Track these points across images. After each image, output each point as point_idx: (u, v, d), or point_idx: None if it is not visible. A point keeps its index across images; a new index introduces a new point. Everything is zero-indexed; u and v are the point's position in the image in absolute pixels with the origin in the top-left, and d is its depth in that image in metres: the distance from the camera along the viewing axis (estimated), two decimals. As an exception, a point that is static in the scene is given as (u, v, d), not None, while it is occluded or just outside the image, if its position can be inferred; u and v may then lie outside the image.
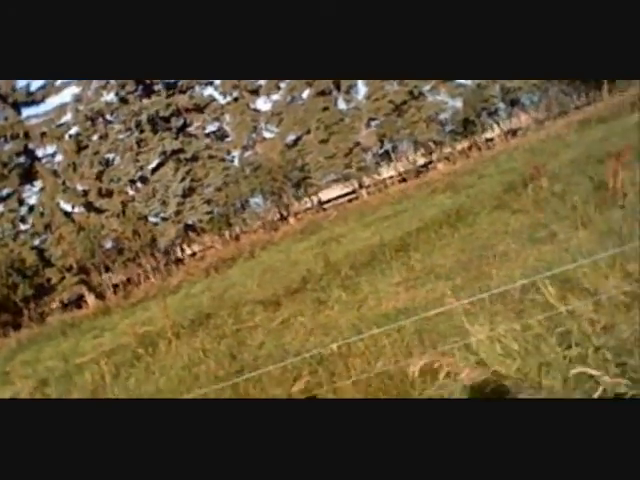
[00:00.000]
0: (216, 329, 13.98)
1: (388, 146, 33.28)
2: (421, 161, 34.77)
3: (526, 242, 10.58)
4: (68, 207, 36.33)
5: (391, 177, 33.42)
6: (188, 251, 36.74)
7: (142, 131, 33.24)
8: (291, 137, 34.02)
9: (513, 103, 34.52)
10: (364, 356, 8.08)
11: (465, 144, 33.76)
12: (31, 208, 36.62)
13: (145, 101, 33.51)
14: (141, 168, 33.22)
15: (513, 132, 34.88)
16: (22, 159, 36.44)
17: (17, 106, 36.81)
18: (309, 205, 34.29)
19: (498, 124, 34.65)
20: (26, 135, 36.17)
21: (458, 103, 32.60)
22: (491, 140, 34.53)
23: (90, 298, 36.09)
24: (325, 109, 31.99)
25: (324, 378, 8.22)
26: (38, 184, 37.07)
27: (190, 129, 35.28)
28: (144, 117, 32.57)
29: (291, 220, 33.63)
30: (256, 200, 34.37)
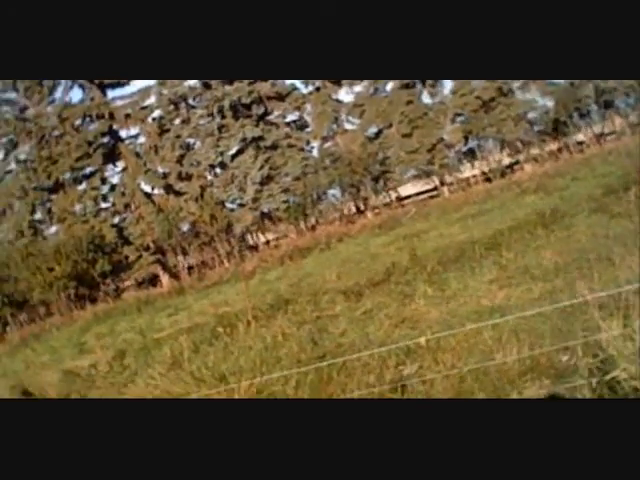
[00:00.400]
0: (295, 315, 13.78)
1: (473, 144, 32.40)
2: (507, 161, 33.72)
3: (631, 247, 9.90)
4: (148, 188, 36.96)
5: (474, 176, 32.52)
6: (262, 239, 36.84)
7: (224, 117, 33.35)
8: (372, 130, 33.54)
9: (607, 105, 33.05)
10: (454, 351, 7.72)
11: (554, 146, 32.55)
12: (113, 187, 37.40)
13: (228, 87, 33.61)
14: (221, 154, 33.34)
15: (606, 135, 33.52)
16: (106, 139, 37.26)
17: (103, 87, 37.64)
18: (387, 200, 33.74)
19: (590, 126, 33.28)
20: (111, 116, 36.95)
21: (549, 102, 31.40)
22: (582, 143, 33.25)
23: (164, 278, 36.65)
24: (409, 102, 31.35)
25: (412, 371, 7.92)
26: (120, 164, 37.97)
27: (270, 117, 35.23)
28: (226, 103, 32.66)
29: (368, 214, 33.19)
30: (333, 192, 34.08)
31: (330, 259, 23.28)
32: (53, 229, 38.17)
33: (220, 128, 33.05)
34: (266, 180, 32.60)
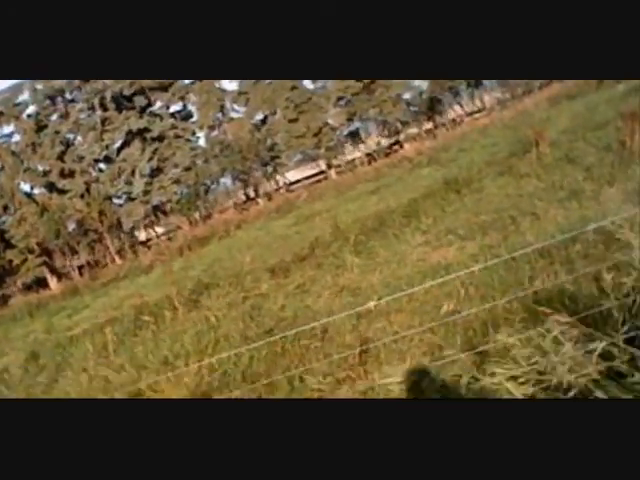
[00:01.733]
0: (222, 298, 13.73)
1: (354, 126, 33.24)
2: (386, 142, 34.87)
3: (552, 202, 10.68)
4: (28, 188, 35.35)
5: (358, 158, 33.44)
6: (153, 233, 36.17)
7: (106, 109, 32.39)
8: (259, 117, 33.68)
9: (477, 84, 34.94)
10: (408, 312, 8.04)
11: (429, 125, 34.04)
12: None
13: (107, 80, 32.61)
14: (106, 147, 32.41)
15: (476, 112, 35.36)
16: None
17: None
18: (277, 186, 34.05)
19: (461, 105, 35.02)
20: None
21: (424, 83, 32.75)
22: (454, 120, 34.90)
23: (53, 280, 35.23)
24: (293, 88, 31.73)
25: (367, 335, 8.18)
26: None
27: (154, 108, 34.58)
28: (108, 95, 31.73)
29: (259, 201, 33.37)
30: (224, 181, 34.00)
31: (234, 244, 23.30)
32: None
33: (103, 121, 32.06)
34: (155, 172, 31.99)
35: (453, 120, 34.83)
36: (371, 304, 8.34)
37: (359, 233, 13.40)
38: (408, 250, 11.28)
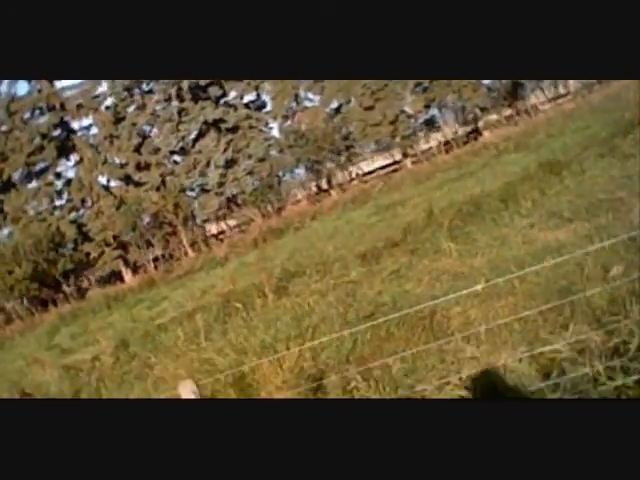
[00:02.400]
0: (312, 285, 13.38)
1: (429, 114, 32.42)
2: (462, 130, 33.90)
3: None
4: (106, 181, 35.84)
5: (436, 146, 32.59)
6: (224, 225, 36.17)
7: (182, 100, 32.50)
8: (333, 105, 33.24)
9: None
10: (524, 294, 7.51)
11: (509, 111, 32.93)
12: (68, 182, 36.11)
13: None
14: (182, 139, 32.48)
15: (560, 97, 34.09)
16: (58, 132, 35.91)
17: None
18: (350, 177, 33.54)
19: (543, 90, 33.78)
20: (62, 107, 35.60)
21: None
22: (535, 107, 33.72)
23: (127, 273, 35.70)
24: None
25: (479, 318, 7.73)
26: (74, 158, 36.64)
27: (228, 99, 34.53)
28: (185, 85, 31.79)
29: (332, 192, 32.94)
30: (297, 172, 33.70)
31: (313, 235, 22.97)
32: (5, 232, 36.65)
33: (180, 112, 32.19)
34: (230, 163, 31.96)
35: (534, 106, 33.63)
36: (478, 287, 7.78)
37: (453, 218, 12.85)
38: (511, 233, 10.70)
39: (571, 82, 33.27)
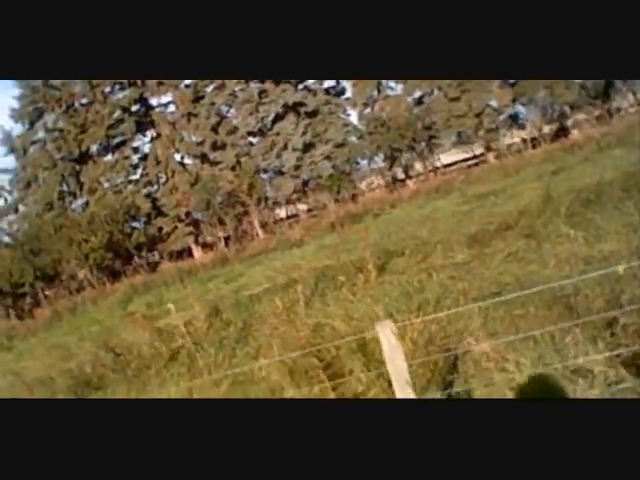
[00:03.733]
0: (415, 264, 12.99)
1: (518, 109, 31.60)
2: (547, 128, 32.95)
3: None
4: (181, 158, 36.07)
5: (519, 142, 31.76)
6: (294, 209, 36.01)
7: (262, 82, 32.43)
8: (416, 95, 32.73)
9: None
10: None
11: (599, 111, 31.85)
12: (144, 157, 36.47)
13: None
14: (261, 120, 32.39)
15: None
16: (136, 107, 36.30)
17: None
18: (430, 167, 32.98)
19: (634, 93, 32.55)
20: (142, 83, 35.95)
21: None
22: (619, 109, 32.57)
23: (197, 251, 35.88)
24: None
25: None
26: (151, 134, 37.00)
27: (308, 83, 34.32)
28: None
29: (409, 182, 32.45)
30: (375, 159, 33.26)
31: (396, 221, 22.50)
32: (79, 202, 37.19)
33: (260, 93, 32.11)
34: (307, 147, 31.73)
35: (623, 108, 32.49)
36: (620, 268, 7.35)
37: (570, 205, 12.31)
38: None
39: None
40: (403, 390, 4.16)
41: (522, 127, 32.65)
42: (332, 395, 7.01)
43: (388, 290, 11.45)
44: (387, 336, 4.17)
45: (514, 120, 32.12)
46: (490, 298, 8.33)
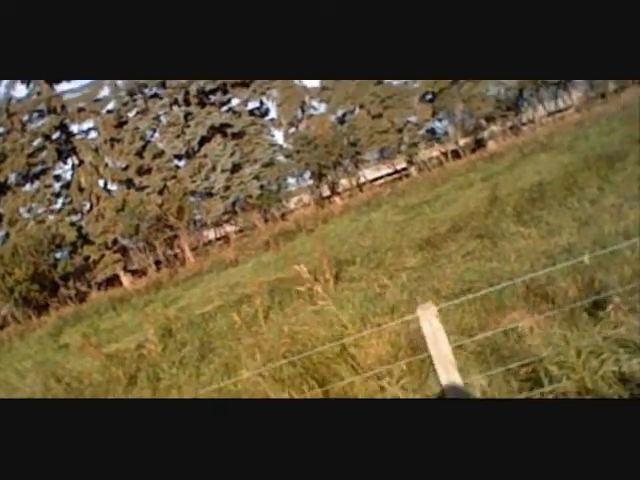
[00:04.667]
0: (370, 271, 13.25)
1: (437, 124, 32.66)
2: (462, 142, 34.15)
3: None
4: (108, 184, 35.36)
5: (438, 156, 32.79)
6: (224, 231, 35.84)
7: (188, 104, 32.33)
8: (338, 113, 33.32)
9: (559, 84, 34.01)
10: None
11: (510, 123, 33.29)
12: (67, 185, 35.57)
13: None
14: (188, 142, 32.21)
15: (557, 112, 34.55)
16: (57, 134, 35.44)
17: (50, 81, 35.76)
18: (355, 183, 33.58)
19: (542, 104, 34.14)
20: (62, 110, 35.16)
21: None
22: (532, 121, 34.14)
23: (126, 277, 35.17)
24: (379, 83, 31.26)
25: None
26: (73, 161, 36.14)
27: (232, 105, 34.44)
28: (193, 89, 31.62)
29: (336, 199, 32.93)
30: (301, 178, 33.61)
31: (333, 235, 22.75)
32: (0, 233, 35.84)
33: (186, 116, 31.97)
34: (235, 168, 31.76)
35: (535, 119, 34.09)
36: (585, 258, 7.76)
37: (515, 205, 12.87)
38: (595, 214, 10.72)
39: (573, 96, 33.82)
40: (448, 373, 4.18)
41: (439, 141, 33.71)
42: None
43: (350, 296, 11.63)
44: (429, 319, 4.19)
45: (433, 134, 33.16)
46: (462, 295, 8.62)
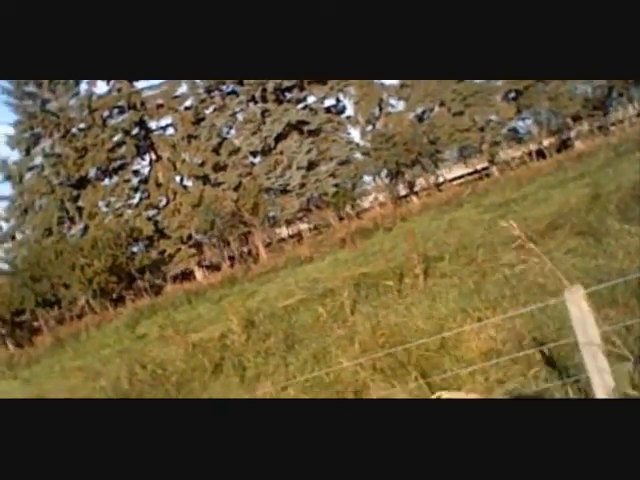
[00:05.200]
0: (461, 268, 12.79)
1: (520, 124, 31.73)
2: (551, 140, 33.03)
3: None
4: (184, 179, 35.82)
5: (521, 156, 31.80)
6: (297, 228, 35.71)
7: (265, 101, 32.37)
8: (419, 111, 32.79)
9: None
10: None
11: (599, 123, 32.02)
12: (145, 180, 36.19)
13: (266, 72, 32.56)
14: (265, 139, 32.24)
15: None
16: (136, 130, 36.08)
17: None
18: (435, 182, 32.95)
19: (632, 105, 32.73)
20: (141, 106, 35.78)
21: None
22: (620, 121, 32.76)
23: (199, 272, 35.48)
24: (460, 80, 30.53)
25: None
26: (151, 156, 36.75)
27: (309, 102, 34.34)
28: (270, 86, 31.65)
29: (414, 198, 32.37)
30: (378, 176, 33.20)
31: (409, 234, 22.24)
32: (79, 227, 36.67)
33: (263, 113, 32.03)
34: (312, 165, 31.63)
35: (620, 120, 32.73)
36: None
37: (618, 202, 12.19)
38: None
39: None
40: (596, 359, 3.93)
41: (522, 141, 32.78)
42: (429, 392, 6.73)
43: (442, 292, 11.22)
44: (577, 302, 3.95)
45: (515, 133, 32.26)
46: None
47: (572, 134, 31.38)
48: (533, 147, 31.17)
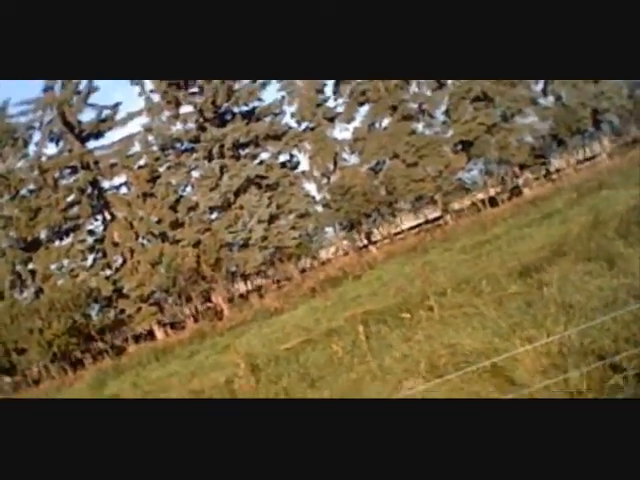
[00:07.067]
0: (471, 301, 13.16)
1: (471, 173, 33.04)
2: (492, 191, 34.42)
3: None
4: (142, 238, 35.45)
5: (470, 204, 32.99)
6: (257, 282, 35.74)
7: (222, 157, 32.77)
8: (371, 164, 33.80)
9: (584, 132, 34.37)
10: None
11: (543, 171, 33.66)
12: (100, 239, 35.70)
13: (222, 129, 33.18)
14: (224, 194, 32.47)
15: (586, 160, 34.92)
16: (89, 190, 35.72)
17: (82, 138, 36.29)
18: (392, 232, 33.76)
19: (576, 150, 34.43)
20: (95, 165, 35.55)
21: (546, 125, 32.49)
22: (559, 170, 34.37)
23: (160, 331, 34.89)
24: (412, 133, 31.81)
25: None
26: (101, 216, 36.35)
27: (264, 157, 34.95)
28: (228, 142, 32.09)
29: (372, 248, 33.03)
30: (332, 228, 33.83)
31: (389, 279, 22.71)
32: (32, 289, 35.67)
33: (222, 168, 32.37)
34: (272, 219, 32.00)
35: (558, 170, 34.48)
36: None
37: (617, 227, 12.90)
38: None
39: (605, 143, 34.27)
40: None
41: (470, 191, 34.02)
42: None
43: (460, 323, 11.50)
44: None
45: (464, 183, 33.50)
46: (607, 310, 8.52)
47: (520, 182, 32.83)
48: (483, 196, 32.42)
